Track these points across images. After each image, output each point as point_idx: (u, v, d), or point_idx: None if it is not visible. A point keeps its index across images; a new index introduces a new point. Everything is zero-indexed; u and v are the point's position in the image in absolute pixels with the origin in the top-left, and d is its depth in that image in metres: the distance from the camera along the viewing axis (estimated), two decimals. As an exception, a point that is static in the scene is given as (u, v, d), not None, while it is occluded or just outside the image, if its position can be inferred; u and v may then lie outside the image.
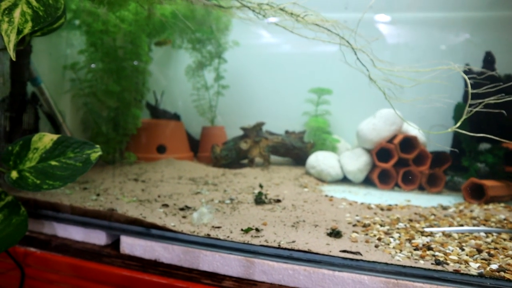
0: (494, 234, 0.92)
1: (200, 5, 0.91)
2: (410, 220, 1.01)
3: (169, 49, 1.71)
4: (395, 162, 1.42)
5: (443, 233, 0.91)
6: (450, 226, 0.97)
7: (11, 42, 0.76)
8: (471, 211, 1.12)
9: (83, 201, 1.06)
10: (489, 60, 1.43)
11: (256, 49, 1.74)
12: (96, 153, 0.97)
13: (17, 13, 0.79)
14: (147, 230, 0.94)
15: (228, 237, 0.87)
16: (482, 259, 0.77)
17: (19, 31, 0.78)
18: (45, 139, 0.95)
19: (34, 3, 0.81)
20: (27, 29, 0.78)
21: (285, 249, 0.82)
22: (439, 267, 0.74)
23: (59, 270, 0.98)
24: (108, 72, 1.27)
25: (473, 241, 0.86)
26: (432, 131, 1.43)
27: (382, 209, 1.10)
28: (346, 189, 1.39)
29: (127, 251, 0.95)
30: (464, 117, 1.10)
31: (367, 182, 1.49)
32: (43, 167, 0.94)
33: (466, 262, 0.76)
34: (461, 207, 1.16)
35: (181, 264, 0.89)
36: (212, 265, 0.86)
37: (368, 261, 0.77)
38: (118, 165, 1.40)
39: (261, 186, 1.18)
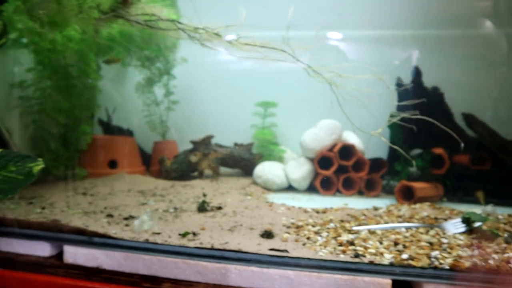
0: (414, 229, 1.01)
1: (138, 27, 0.96)
2: (342, 221, 1.08)
3: (120, 67, 1.74)
4: (336, 169, 1.50)
5: (369, 231, 0.98)
6: (377, 224, 1.05)
7: None
8: (399, 210, 1.20)
9: (27, 214, 1.07)
10: (417, 73, 1.56)
11: (207, 65, 1.81)
12: (38, 166, 0.99)
13: None
14: (89, 238, 0.96)
15: (166, 241, 0.91)
16: (396, 250, 0.84)
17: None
18: (-17, 154, 0.96)
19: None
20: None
21: (218, 249, 0.86)
22: (356, 260, 0.80)
23: (3, 284, 0.98)
24: (56, 89, 1.29)
25: (393, 236, 0.94)
26: (371, 139, 1.54)
27: (317, 212, 1.17)
28: (290, 196, 1.46)
29: (70, 260, 0.96)
30: (387, 124, 1.20)
31: (311, 189, 1.56)
32: (-17, 182, 0.95)
33: (382, 254, 0.83)
34: (392, 208, 1.24)
35: (122, 269, 0.91)
36: (151, 268, 0.89)
37: (293, 257, 0.83)
38: (68, 181, 1.40)
39: (204, 195, 1.22)
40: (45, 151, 1.36)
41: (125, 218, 1.05)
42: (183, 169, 1.60)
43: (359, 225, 1.04)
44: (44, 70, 1.28)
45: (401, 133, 1.54)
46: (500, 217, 1.14)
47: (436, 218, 1.12)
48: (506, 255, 0.81)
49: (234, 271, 0.84)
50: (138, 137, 1.87)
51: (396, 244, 0.88)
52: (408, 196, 1.35)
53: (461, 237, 0.95)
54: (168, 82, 1.74)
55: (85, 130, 1.38)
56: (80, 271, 0.93)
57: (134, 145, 1.74)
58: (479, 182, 1.44)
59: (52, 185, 1.36)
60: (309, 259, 0.82)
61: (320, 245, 0.88)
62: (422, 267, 0.77)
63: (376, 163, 1.53)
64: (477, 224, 1.00)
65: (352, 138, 1.55)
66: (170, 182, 1.52)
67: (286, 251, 0.85)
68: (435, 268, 0.76)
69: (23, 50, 1.32)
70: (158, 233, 0.95)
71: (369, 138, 1.50)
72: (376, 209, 1.23)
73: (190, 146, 1.68)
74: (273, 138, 1.67)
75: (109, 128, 1.75)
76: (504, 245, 0.88)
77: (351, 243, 0.89)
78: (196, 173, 1.63)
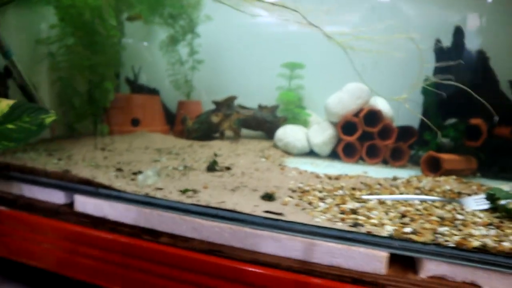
0: (429, 202, 0.93)
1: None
2: (353, 189, 1.02)
3: (146, 26, 1.73)
4: (360, 135, 1.42)
5: (378, 201, 0.92)
6: (390, 194, 0.99)
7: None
8: (420, 182, 1.12)
9: (45, 164, 1.12)
10: (458, 34, 1.41)
11: (232, 24, 1.74)
12: (50, 117, 1.02)
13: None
14: (95, 189, 0.99)
15: (165, 196, 0.91)
16: (401, 223, 0.78)
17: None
18: (2, 104, 1.00)
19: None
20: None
21: (213, 208, 0.85)
22: (353, 229, 0.76)
23: (26, 225, 1.04)
24: (79, 46, 1.30)
25: (403, 208, 0.88)
26: (401, 105, 1.43)
27: (330, 178, 1.12)
28: (310, 161, 1.41)
29: (80, 209, 1.01)
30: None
31: (334, 155, 1.50)
32: (1, 129, 0.99)
33: (383, 225, 0.77)
34: (413, 179, 1.16)
35: (125, 221, 0.94)
36: (150, 222, 0.90)
37: (287, 221, 0.80)
38: (90, 137, 1.45)
39: (215, 155, 1.21)
40: (70, 107, 1.40)
41: (134, 173, 1.06)
42: (204, 129, 1.60)
43: (370, 194, 0.99)
44: (67, 26, 1.30)
45: (435, 100, 1.41)
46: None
47: (459, 193, 1.03)
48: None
49: (228, 230, 0.82)
50: (164, 96, 1.88)
51: (403, 216, 0.82)
52: (434, 168, 1.26)
53: (481, 214, 0.86)
54: (192, 41, 1.71)
55: (108, 87, 1.40)
56: (88, 219, 0.97)
57: (158, 104, 1.75)
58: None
59: (75, 140, 1.41)
60: (302, 224, 0.78)
61: (321, 211, 0.84)
62: (423, 243, 0.70)
63: (405, 131, 1.43)
64: (502, 202, 0.91)
65: (380, 104, 1.45)
66: (189, 142, 1.52)
67: (281, 214, 0.82)
68: (438, 244, 0.70)
69: (49, 7, 1.34)
70: (161, 189, 0.95)
71: (399, 105, 1.41)
72: (395, 179, 1.16)
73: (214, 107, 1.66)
74: (298, 101, 1.61)
75: (135, 86, 1.77)
76: (529, 226, 0.79)
77: (354, 211, 0.84)
78: (217, 134, 1.62)
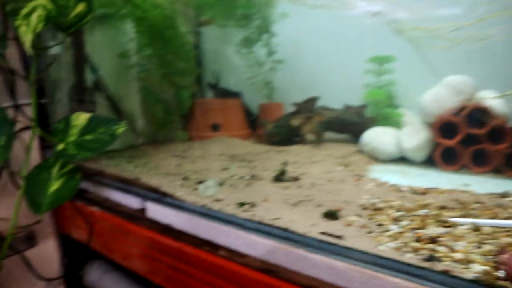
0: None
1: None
2: (442, 207, 0.84)
3: (223, 29, 1.71)
4: (462, 138, 1.18)
5: (474, 226, 0.74)
6: (492, 219, 0.78)
7: (27, 41, 0.89)
8: (540, 200, 0.88)
9: (122, 171, 1.18)
10: None
11: (311, 20, 1.62)
12: (120, 128, 1.07)
13: (34, 17, 0.91)
14: (161, 197, 1.00)
15: (221, 209, 0.87)
16: (498, 261, 0.60)
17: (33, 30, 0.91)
18: (82, 117, 1.09)
19: (49, 6, 0.92)
20: (39, 28, 0.90)
21: (265, 224, 0.78)
22: (426, 264, 0.61)
23: (111, 227, 1.12)
24: (156, 56, 1.35)
25: (507, 239, 0.68)
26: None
27: (415, 193, 0.95)
28: (399, 169, 1.22)
29: (151, 215, 1.04)
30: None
31: (431, 162, 1.28)
32: (81, 141, 1.07)
33: (470, 262, 0.61)
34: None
35: (187, 230, 0.93)
36: (209, 233, 0.88)
37: (343, 247, 0.68)
38: (171, 144, 1.49)
39: (284, 164, 1.13)
40: (152, 116, 1.47)
41: (199, 182, 1.05)
42: (284, 133, 1.52)
43: (463, 216, 0.80)
44: (143, 38, 1.35)
45: None
46: None
47: None
48: None
49: (281, 251, 0.74)
50: (248, 100, 1.85)
51: (501, 252, 0.63)
52: None
53: None
54: (269, 41, 1.64)
55: (184, 95, 1.42)
56: (157, 225, 0.99)
57: (238, 107, 1.72)
58: None
59: (156, 147, 1.47)
60: (360, 251, 0.66)
61: (390, 236, 0.71)
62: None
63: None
64: None
65: (491, 100, 1.19)
66: (266, 147, 1.46)
67: (339, 237, 0.71)
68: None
69: (127, 20, 1.41)
70: (220, 200, 0.92)
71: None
72: (504, 196, 0.93)
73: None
74: (388, 99, 1.42)
75: (217, 90, 1.78)
76: None
77: (433, 240, 0.68)
78: (298, 138, 1.53)
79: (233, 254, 0.82)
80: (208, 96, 1.90)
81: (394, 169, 1.22)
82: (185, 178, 1.09)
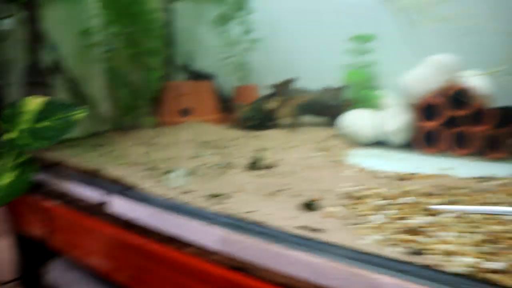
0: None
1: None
2: (426, 194, 0.81)
3: (198, 5, 1.63)
4: (445, 120, 1.16)
5: (460, 214, 0.71)
6: (477, 205, 0.75)
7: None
8: (524, 184, 0.86)
9: (85, 161, 1.10)
10: None
11: None
12: (80, 114, 0.99)
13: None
14: (125, 190, 0.94)
15: (189, 202, 0.82)
16: (484, 252, 0.57)
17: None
18: (35, 102, 1.00)
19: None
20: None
21: (238, 219, 0.73)
22: (411, 258, 0.57)
23: (71, 223, 1.05)
24: (121, 35, 1.26)
25: (494, 227, 0.65)
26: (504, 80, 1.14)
27: (398, 179, 0.91)
28: (379, 153, 1.19)
29: (112, 209, 0.97)
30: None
31: (412, 145, 1.25)
32: (35, 129, 0.99)
33: (454, 254, 0.57)
34: (516, 179, 0.89)
35: (152, 224, 0.86)
36: (176, 228, 0.82)
37: (321, 242, 0.64)
38: (137, 130, 1.42)
39: (260, 150, 1.08)
40: (117, 100, 1.38)
41: (166, 172, 0.98)
42: (260, 117, 1.47)
43: (449, 203, 0.76)
44: (108, 14, 1.25)
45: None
46: None
47: None
48: None
49: (255, 247, 0.69)
50: (222, 81, 1.78)
51: (488, 241, 0.60)
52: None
53: None
54: (246, 18, 1.56)
55: (153, 76, 1.34)
56: (119, 220, 0.93)
57: (211, 90, 1.65)
58: None
59: (121, 134, 1.39)
60: (338, 246, 0.62)
61: (373, 227, 0.67)
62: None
63: (508, 114, 1.13)
64: None
65: (475, 80, 1.16)
66: (241, 132, 1.40)
67: (319, 231, 0.66)
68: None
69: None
70: (189, 192, 0.86)
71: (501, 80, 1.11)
72: (489, 179, 0.90)
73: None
74: (367, 80, 1.38)
75: (190, 73, 1.70)
76: None
77: (417, 230, 0.64)
78: (275, 122, 1.48)
79: (202, 251, 0.77)
80: (179, 78, 1.81)
81: (374, 153, 1.19)
82: (151, 168, 1.02)
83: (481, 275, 0.52)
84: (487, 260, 0.55)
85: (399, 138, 1.24)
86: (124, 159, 1.10)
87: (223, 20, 1.57)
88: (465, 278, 0.53)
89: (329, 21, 1.53)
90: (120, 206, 0.93)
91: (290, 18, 1.64)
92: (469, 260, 0.55)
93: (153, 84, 1.36)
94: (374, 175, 0.95)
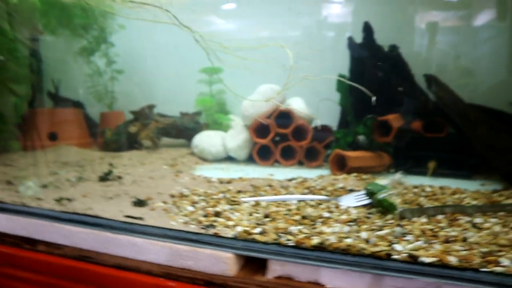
0: (310, 201, 0.96)
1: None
2: (239, 192, 1.06)
3: (68, 38, 1.77)
4: (273, 137, 1.46)
5: (256, 203, 0.96)
6: (276, 195, 1.02)
7: None
8: (315, 181, 1.16)
9: None
10: (367, 30, 1.46)
11: (147, 32, 1.79)
12: None
13: None
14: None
15: (40, 205, 0.95)
16: (257, 224, 0.81)
17: None
18: None
19: None
20: None
21: (78, 214, 0.90)
22: (202, 231, 0.79)
23: None
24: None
25: (274, 208, 0.91)
26: (321, 105, 1.47)
27: (221, 182, 1.15)
28: (223, 166, 1.45)
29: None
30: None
31: (252, 159, 1.53)
32: None
33: (236, 226, 0.80)
34: (313, 179, 1.20)
35: (6, 231, 0.96)
36: (28, 230, 0.93)
37: (140, 225, 0.83)
38: (1, 154, 1.48)
39: (111, 165, 1.25)
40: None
41: (20, 185, 1.10)
42: (122, 140, 1.64)
43: (254, 196, 1.02)
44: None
45: (350, 97, 1.46)
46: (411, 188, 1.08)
47: (351, 190, 1.07)
48: (378, 232, 0.75)
49: (91, 236, 0.85)
50: (90, 109, 1.92)
51: (266, 217, 0.86)
52: (342, 166, 1.30)
53: (355, 211, 0.90)
54: (108, 51, 1.76)
55: (16, 103, 1.43)
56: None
57: (78, 116, 1.79)
58: (432, 151, 1.35)
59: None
60: (154, 227, 0.82)
61: (184, 215, 0.88)
62: (265, 242, 0.73)
63: (320, 131, 1.47)
64: (380, 196, 0.94)
65: (297, 104, 1.49)
66: (103, 154, 1.56)
67: (140, 218, 0.86)
68: (279, 244, 0.73)
69: None
70: (40, 199, 0.99)
71: (318, 105, 1.45)
72: (291, 180, 1.19)
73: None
74: (218, 106, 1.65)
75: (57, 100, 1.81)
76: (392, 220, 0.83)
77: (218, 214, 0.87)
78: (136, 144, 1.66)
79: (51, 248, 0.89)
80: (48, 105, 1.90)
81: (218, 167, 1.44)
82: (8, 183, 1.12)
83: (245, 235, 0.76)
84: (253, 228, 0.79)
85: (240, 154, 1.51)
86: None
87: (87, 52, 1.73)
88: (236, 239, 0.76)
89: (185, 54, 1.78)
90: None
91: (149, 51, 1.86)
92: (242, 228, 0.79)
93: (19, 109, 1.44)
94: (207, 181, 1.18)
